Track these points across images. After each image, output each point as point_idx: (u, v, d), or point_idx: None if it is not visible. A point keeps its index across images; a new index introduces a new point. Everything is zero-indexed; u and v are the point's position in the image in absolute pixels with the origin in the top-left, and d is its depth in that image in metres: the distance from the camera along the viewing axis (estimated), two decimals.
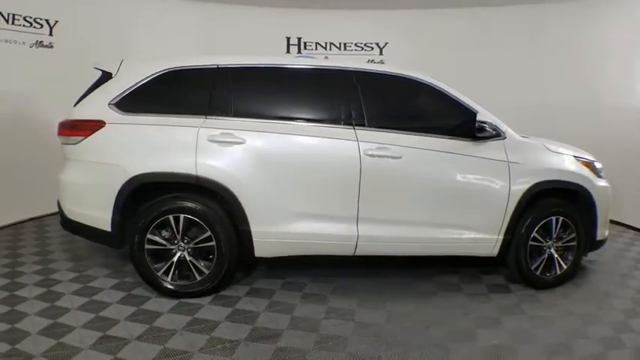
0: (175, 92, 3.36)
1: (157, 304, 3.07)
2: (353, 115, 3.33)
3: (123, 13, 5.55)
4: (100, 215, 3.18)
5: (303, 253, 3.38)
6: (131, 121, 3.20)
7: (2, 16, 4.72)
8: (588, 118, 5.72)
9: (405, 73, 3.51)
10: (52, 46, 5.03)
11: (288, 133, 3.27)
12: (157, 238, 3.20)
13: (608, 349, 2.69)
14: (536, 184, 3.45)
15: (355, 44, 6.72)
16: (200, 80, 3.36)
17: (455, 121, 3.44)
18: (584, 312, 3.19)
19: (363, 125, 3.31)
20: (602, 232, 3.79)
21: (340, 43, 6.70)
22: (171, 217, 3.17)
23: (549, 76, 6.08)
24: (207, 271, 3.23)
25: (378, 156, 3.24)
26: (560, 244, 3.62)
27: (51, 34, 5.03)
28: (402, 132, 3.35)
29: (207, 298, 3.18)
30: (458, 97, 3.47)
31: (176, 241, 3.21)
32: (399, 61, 3.90)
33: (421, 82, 3.49)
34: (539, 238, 3.54)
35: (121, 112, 3.20)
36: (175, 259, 3.22)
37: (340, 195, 3.29)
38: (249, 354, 2.51)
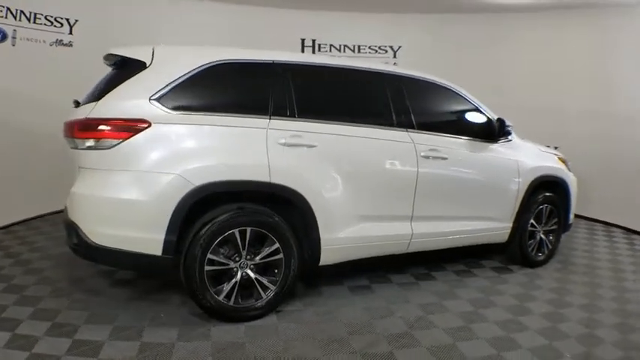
0: (230, 88, 2.95)
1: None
2: (404, 118, 3.37)
3: (142, 13, 5.57)
4: (147, 236, 2.60)
5: (363, 256, 3.26)
6: (185, 121, 2.69)
7: (25, 15, 4.76)
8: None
9: (440, 81, 3.71)
10: (71, 45, 5.08)
11: (354, 136, 3.14)
12: (219, 258, 2.72)
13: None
14: (536, 179, 3.99)
15: (369, 47, 6.68)
16: (256, 76, 3.01)
17: (478, 124, 3.78)
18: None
19: (413, 128, 3.37)
20: (572, 216, 4.44)
21: (354, 46, 6.68)
22: (236, 231, 2.72)
23: (561, 80, 5.96)
24: (273, 287, 2.84)
25: (432, 157, 3.36)
26: (546, 228, 4.17)
27: (71, 33, 5.07)
28: (441, 134, 3.53)
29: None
30: (478, 103, 3.82)
31: (238, 258, 2.77)
32: (412, 65, 3.87)
33: (450, 89, 3.74)
34: (534, 223, 4.05)
35: (169, 109, 2.65)
36: (239, 277, 2.76)
37: (400, 195, 3.30)
38: None
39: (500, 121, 3.73)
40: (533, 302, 3.25)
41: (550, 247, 4.22)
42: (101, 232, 2.60)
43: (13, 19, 4.72)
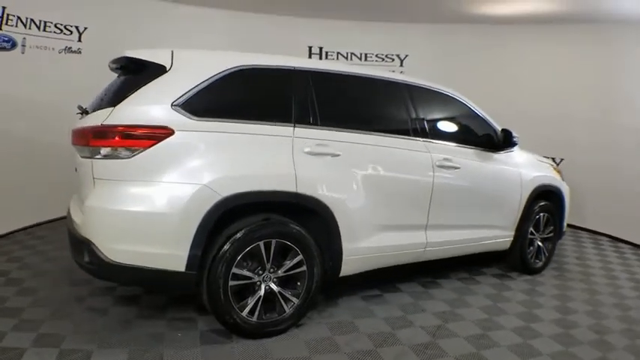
0: (253, 94, 2.85)
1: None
2: (419, 127, 3.40)
3: (150, 21, 5.56)
4: (170, 252, 2.43)
5: (380, 266, 3.25)
6: (209, 129, 2.54)
7: (35, 23, 4.74)
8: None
9: (448, 90, 3.76)
10: (80, 52, 5.07)
11: (376, 145, 3.12)
12: (243, 272, 2.60)
13: None
14: (536, 188, 4.10)
15: (376, 55, 6.65)
16: (279, 82, 2.90)
17: (484, 135, 3.87)
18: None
19: (427, 137, 3.40)
20: (565, 224, 4.57)
21: (361, 54, 6.64)
22: (261, 243, 2.61)
23: (567, 91, 5.99)
24: (296, 300, 2.74)
25: (445, 167, 3.39)
26: (543, 236, 4.28)
27: (80, 40, 5.06)
28: (453, 144, 3.59)
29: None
30: (483, 113, 3.91)
31: (262, 272, 2.67)
32: (418, 74, 3.95)
33: (458, 99, 3.82)
34: (533, 231, 4.16)
35: (192, 116, 2.50)
36: (262, 292, 2.65)
37: (417, 204, 3.31)
38: None
39: (507, 132, 3.80)
40: (540, 309, 3.35)
41: (547, 254, 4.32)
42: (119, 249, 2.39)
43: (23, 27, 4.69)
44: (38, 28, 4.81)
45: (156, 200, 2.40)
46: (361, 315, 3.05)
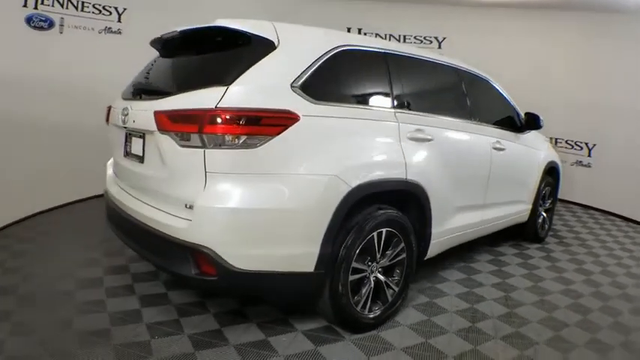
0: (356, 77, 2.65)
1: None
2: (478, 112, 3.51)
3: (188, 1, 5.40)
4: (302, 251, 2.21)
5: (451, 246, 3.30)
6: (328, 113, 2.30)
7: (72, 3, 4.60)
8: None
9: (485, 75, 3.90)
10: (120, 32, 4.95)
11: (457, 130, 3.18)
12: (359, 265, 2.45)
13: None
14: (547, 164, 4.47)
15: (414, 37, 6.59)
16: (375, 65, 2.72)
17: (513, 117, 4.06)
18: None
19: (482, 121, 3.52)
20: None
21: (400, 35, 6.57)
22: (375, 234, 2.48)
23: (605, 78, 6.04)
24: (396, 288, 2.67)
25: (497, 149, 3.56)
26: (545, 207, 4.66)
27: (119, 21, 4.93)
28: (497, 127, 3.75)
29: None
30: (508, 97, 4.10)
31: (371, 263, 2.54)
32: (457, 58, 4.15)
33: (492, 83, 3.96)
34: (541, 203, 4.51)
35: (311, 99, 2.24)
36: (372, 283, 2.54)
37: (480, 185, 3.44)
38: None
39: (534, 115, 4.04)
40: (566, 273, 3.83)
41: (548, 223, 4.73)
42: (247, 254, 2.09)
43: (60, 7, 4.54)
44: (76, 7, 4.67)
45: (287, 195, 2.12)
46: (437, 295, 3.14)
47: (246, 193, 2.06)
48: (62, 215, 4.63)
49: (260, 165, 2.07)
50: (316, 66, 2.32)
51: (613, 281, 3.74)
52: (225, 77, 2.11)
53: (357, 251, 2.41)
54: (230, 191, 2.05)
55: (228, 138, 2.01)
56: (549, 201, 4.71)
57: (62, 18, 4.68)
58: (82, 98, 4.60)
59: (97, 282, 3.08)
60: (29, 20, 4.36)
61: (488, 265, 3.90)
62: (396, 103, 2.72)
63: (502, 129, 3.81)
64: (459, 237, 3.39)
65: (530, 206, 4.32)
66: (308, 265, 2.22)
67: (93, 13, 4.84)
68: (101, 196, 3.11)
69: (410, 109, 2.80)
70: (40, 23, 4.56)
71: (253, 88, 2.11)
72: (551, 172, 4.66)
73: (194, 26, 2.41)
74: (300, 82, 2.23)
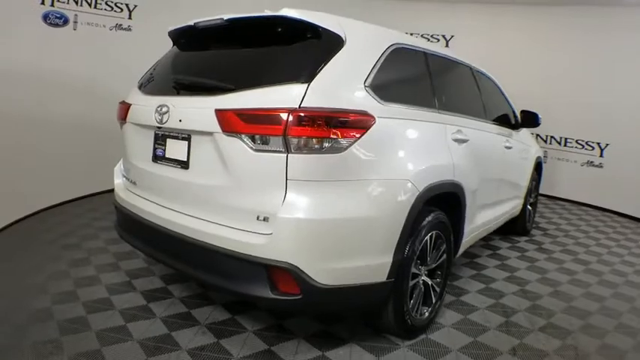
0: (409, 76, 2.59)
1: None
2: (491, 112, 3.58)
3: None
4: (378, 261, 2.07)
5: (469, 245, 3.33)
6: (396, 115, 2.21)
7: (86, 1, 4.65)
8: None
9: (489, 74, 3.94)
10: (130, 29, 4.90)
11: (484, 130, 3.26)
12: (415, 270, 2.34)
13: None
14: (536, 159, 4.65)
15: (422, 35, 6.49)
16: (418, 64, 2.65)
17: (508, 115, 4.09)
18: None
19: (493, 120, 3.57)
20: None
21: (407, 33, 6.64)
22: (428, 237, 2.38)
23: (613, 77, 5.96)
24: (438, 289, 2.59)
25: (507, 147, 3.66)
26: (530, 201, 4.77)
27: (130, 18, 4.88)
28: (504, 126, 3.80)
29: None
30: (506, 94, 4.17)
31: (421, 266, 2.45)
32: (464, 55, 4.17)
33: (494, 81, 4.04)
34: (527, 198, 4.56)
35: (380, 100, 2.13)
36: (422, 287, 2.46)
37: (496, 182, 3.51)
38: None
39: (533, 113, 4.11)
40: (566, 263, 4.00)
41: (533, 216, 4.86)
42: (330, 268, 1.90)
43: (75, 4, 4.54)
44: (89, 5, 4.68)
45: (369, 202, 1.98)
46: (460, 293, 3.14)
47: (330, 201, 1.87)
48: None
49: (344, 171, 1.91)
50: (380, 64, 2.21)
51: (612, 269, 3.96)
52: (300, 73, 1.92)
53: (416, 256, 2.31)
54: (314, 201, 1.84)
55: (314, 141, 1.83)
56: (534, 195, 4.83)
57: (76, 15, 4.71)
58: (92, 93, 4.65)
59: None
60: (46, 17, 4.38)
61: (490, 259, 3.96)
62: (437, 103, 2.64)
63: (506, 127, 3.87)
64: (477, 235, 3.41)
65: (522, 201, 4.43)
66: (382, 274, 2.09)
67: (105, 10, 4.83)
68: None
69: (448, 110, 2.75)
70: (55, 20, 4.61)
71: (334, 87, 1.97)
72: (537, 167, 4.78)
73: (246, 15, 2.16)
74: (369, 82, 2.11)
